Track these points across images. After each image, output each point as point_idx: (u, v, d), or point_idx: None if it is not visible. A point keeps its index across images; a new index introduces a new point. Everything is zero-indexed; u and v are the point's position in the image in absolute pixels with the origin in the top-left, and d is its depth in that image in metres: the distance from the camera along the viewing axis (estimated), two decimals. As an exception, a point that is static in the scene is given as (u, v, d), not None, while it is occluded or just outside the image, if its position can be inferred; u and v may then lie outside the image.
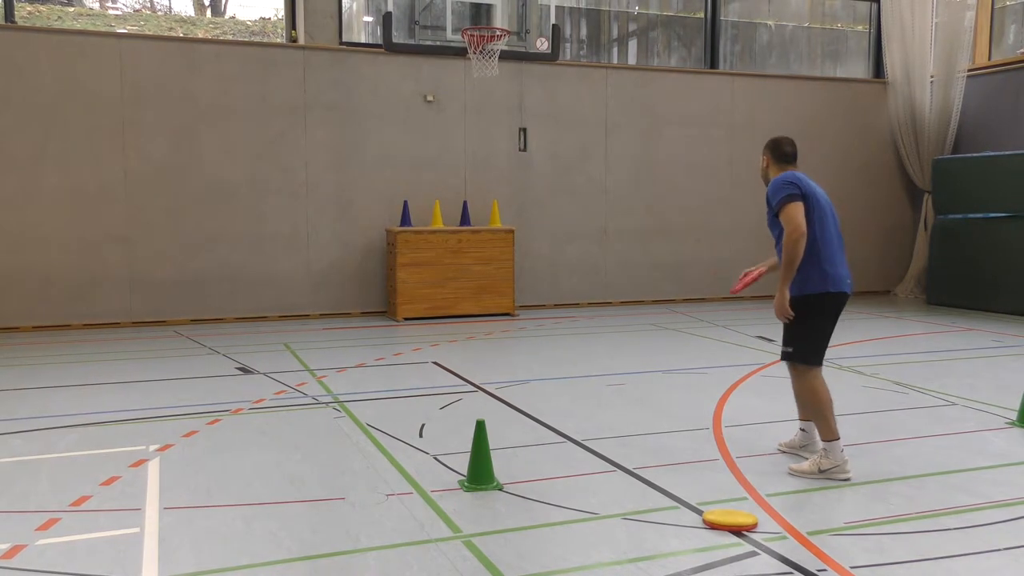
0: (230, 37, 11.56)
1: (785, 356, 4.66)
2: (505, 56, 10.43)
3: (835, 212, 4.66)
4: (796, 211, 4.38)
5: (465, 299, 10.53)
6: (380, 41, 10.80)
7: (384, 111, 10.74)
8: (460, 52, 10.64)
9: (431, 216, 10.67)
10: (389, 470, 4.56)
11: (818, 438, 4.75)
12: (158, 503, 4.07)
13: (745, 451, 4.90)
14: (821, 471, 4.42)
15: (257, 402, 6.12)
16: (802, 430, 4.86)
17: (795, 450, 4.85)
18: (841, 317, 4.61)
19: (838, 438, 4.47)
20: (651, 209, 12.02)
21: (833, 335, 4.63)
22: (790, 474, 4.47)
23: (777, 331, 5.37)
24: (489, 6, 10.64)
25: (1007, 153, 11.22)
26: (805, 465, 4.49)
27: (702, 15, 12.71)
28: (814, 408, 4.53)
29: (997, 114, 12.17)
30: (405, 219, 10.45)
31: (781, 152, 4.71)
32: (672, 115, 12.04)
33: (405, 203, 10.49)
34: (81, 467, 4.62)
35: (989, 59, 12.60)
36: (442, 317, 10.40)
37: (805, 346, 4.54)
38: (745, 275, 4.92)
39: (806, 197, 4.45)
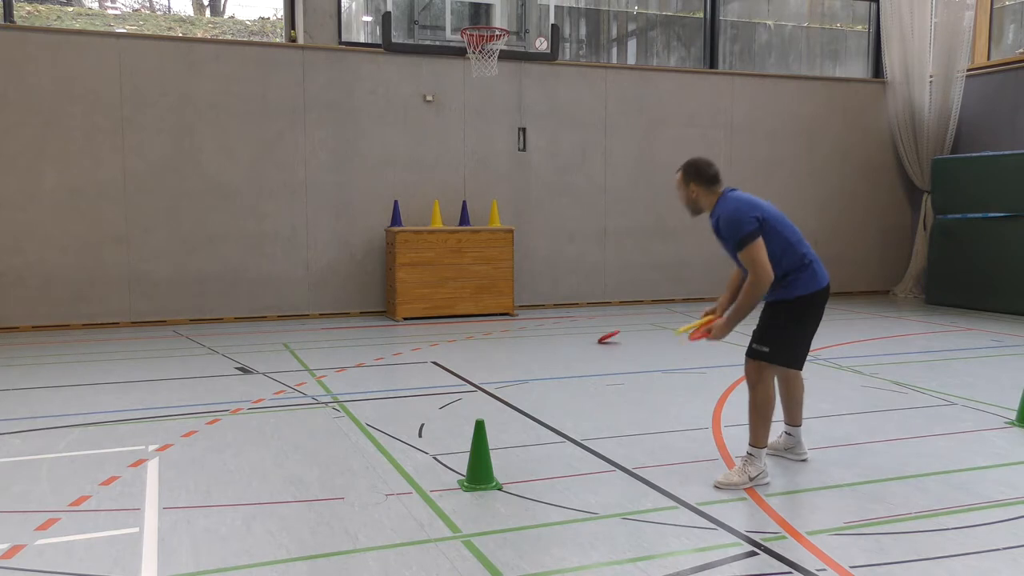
0: (229, 37, 11.56)
1: (758, 355, 4.37)
2: (504, 56, 10.43)
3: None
4: (759, 252, 4.16)
5: (464, 299, 10.53)
6: (379, 41, 10.80)
7: (383, 111, 10.74)
8: (459, 52, 10.65)
9: (431, 216, 10.67)
10: (388, 470, 4.56)
11: (803, 443, 4.76)
12: (157, 503, 4.07)
13: (744, 451, 4.88)
14: (751, 479, 4.27)
15: (256, 402, 6.12)
16: (787, 434, 4.80)
17: (779, 453, 4.81)
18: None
19: (767, 446, 4.44)
20: (651, 209, 12.02)
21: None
22: (716, 487, 4.25)
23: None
24: (488, 6, 10.64)
25: (1006, 153, 11.22)
26: (734, 477, 4.29)
27: (701, 15, 12.71)
28: (763, 411, 4.34)
29: (996, 114, 12.18)
30: (396, 219, 10.43)
31: (707, 176, 4.39)
32: (672, 115, 12.04)
33: (395, 203, 10.47)
34: (81, 467, 4.62)
35: (988, 59, 12.60)
36: (441, 317, 10.41)
37: (788, 349, 4.37)
38: (707, 325, 4.50)
39: (765, 221, 4.23)
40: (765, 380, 4.40)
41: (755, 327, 4.50)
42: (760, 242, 4.20)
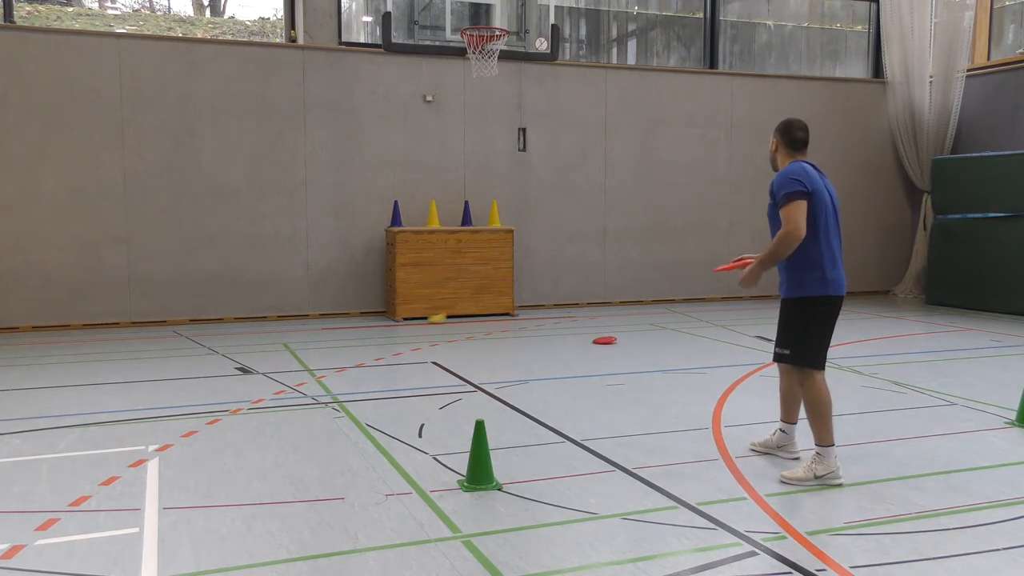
0: (229, 37, 11.56)
1: (780, 358, 4.57)
2: (504, 56, 10.43)
3: (837, 205, 4.54)
4: (799, 211, 4.25)
5: (465, 299, 10.53)
6: (379, 41, 10.80)
7: (383, 111, 10.74)
8: (459, 52, 10.65)
9: (430, 216, 10.66)
10: (388, 470, 4.56)
11: (796, 442, 4.78)
12: (157, 503, 4.07)
13: (744, 451, 4.90)
14: (817, 477, 4.32)
15: (256, 402, 6.12)
16: (782, 431, 4.82)
17: (771, 450, 4.83)
18: (841, 317, 4.59)
19: (834, 444, 4.41)
20: (651, 209, 12.02)
21: (833, 335, 4.59)
22: (782, 482, 4.35)
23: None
24: (488, 6, 10.64)
25: (1006, 153, 11.22)
26: (799, 472, 4.37)
27: (701, 15, 12.71)
28: (816, 411, 4.41)
29: (996, 114, 12.18)
30: (396, 219, 10.43)
31: (792, 137, 4.54)
32: (671, 115, 12.04)
33: (395, 203, 10.47)
34: (81, 467, 4.62)
35: (988, 59, 12.60)
36: (441, 317, 10.41)
37: (804, 349, 4.45)
38: (740, 259, 4.74)
39: (812, 196, 4.33)
40: (810, 379, 4.44)
41: (776, 332, 4.62)
42: (804, 204, 4.28)
